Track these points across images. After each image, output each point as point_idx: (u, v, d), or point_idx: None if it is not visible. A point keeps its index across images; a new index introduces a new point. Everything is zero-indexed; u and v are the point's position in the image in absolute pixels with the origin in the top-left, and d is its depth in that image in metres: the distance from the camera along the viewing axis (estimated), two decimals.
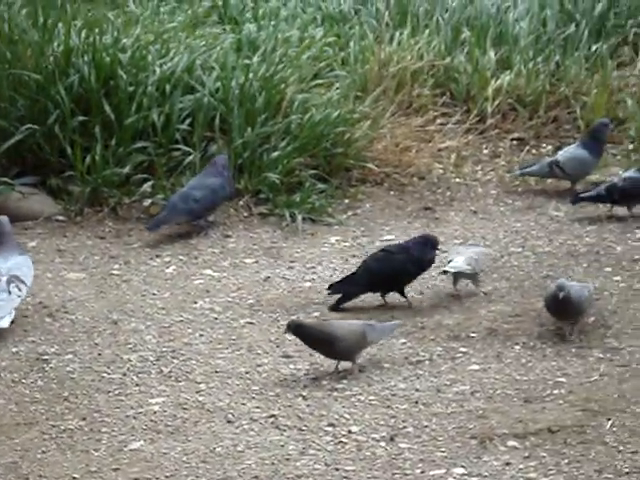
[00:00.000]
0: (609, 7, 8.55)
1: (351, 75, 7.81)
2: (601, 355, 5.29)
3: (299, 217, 6.82)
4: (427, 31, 8.15)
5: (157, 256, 6.49)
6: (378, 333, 5.28)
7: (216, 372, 5.22)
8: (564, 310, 5.38)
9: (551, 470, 4.39)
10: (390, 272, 5.85)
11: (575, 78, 8.05)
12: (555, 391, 4.99)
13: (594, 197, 6.85)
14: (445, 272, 5.91)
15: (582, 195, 6.89)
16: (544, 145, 7.82)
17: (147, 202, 6.86)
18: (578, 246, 6.45)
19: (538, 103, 7.91)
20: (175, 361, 5.32)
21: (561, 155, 7.23)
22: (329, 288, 5.91)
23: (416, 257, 5.90)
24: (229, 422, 4.80)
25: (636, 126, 7.67)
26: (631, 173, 6.85)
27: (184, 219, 6.70)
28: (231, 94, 7.13)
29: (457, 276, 5.91)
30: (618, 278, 6.09)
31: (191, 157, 6.98)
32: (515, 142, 7.84)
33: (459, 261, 5.87)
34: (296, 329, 5.16)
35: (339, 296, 5.87)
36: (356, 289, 5.88)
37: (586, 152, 7.18)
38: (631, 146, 7.57)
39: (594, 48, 8.27)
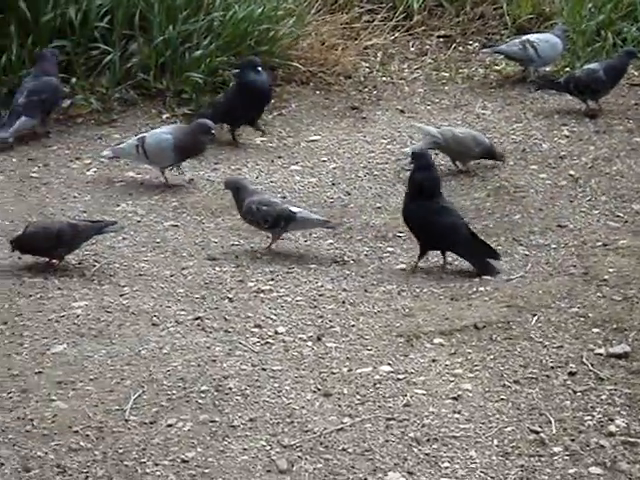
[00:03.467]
0: None
1: None
2: (527, 252, 5.29)
3: None
4: None
5: (77, 159, 6.34)
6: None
7: (140, 275, 5.14)
8: None
9: (477, 366, 4.40)
10: None
11: None
12: (481, 288, 4.99)
13: (554, 85, 6.86)
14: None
15: (542, 82, 6.98)
16: (471, 42, 7.75)
17: (66, 103, 6.67)
18: (505, 144, 6.42)
19: None
20: (97, 264, 5.22)
21: (534, 36, 7.17)
22: None
23: None
24: (154, 325, 4.74)
25: (563, 21, 7.61)
26: (591, 65, 6.82)
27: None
28: None
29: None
30: (544, 175, 6.09)
31: (110, 56, 6.80)
32: (442, 39, 7.77)
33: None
34: None
35: None
36: None
37: (558, 39, 7.15)
38: None
39: None
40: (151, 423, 4.09)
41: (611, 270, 5.06)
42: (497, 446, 3.94)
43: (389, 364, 4.43)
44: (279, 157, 6.39)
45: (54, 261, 5.17)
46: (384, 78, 7.34)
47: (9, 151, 6.39)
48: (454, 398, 4.20)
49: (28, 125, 6.43)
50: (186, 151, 5.98)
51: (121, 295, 4.96)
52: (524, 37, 7.18)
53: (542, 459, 3.87)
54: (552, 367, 4.38)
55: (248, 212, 5.31)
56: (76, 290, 5.01)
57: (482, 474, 3.81)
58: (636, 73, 7.31)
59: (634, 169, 6.09)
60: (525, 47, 7.09)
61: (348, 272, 5.18)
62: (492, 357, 4.46)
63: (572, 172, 6.10)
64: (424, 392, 4.24)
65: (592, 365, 4.36)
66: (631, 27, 7.52)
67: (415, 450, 3.93)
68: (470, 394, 4.23)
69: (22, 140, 6.52)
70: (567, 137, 6.54)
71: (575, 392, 4.22)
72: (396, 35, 7.67)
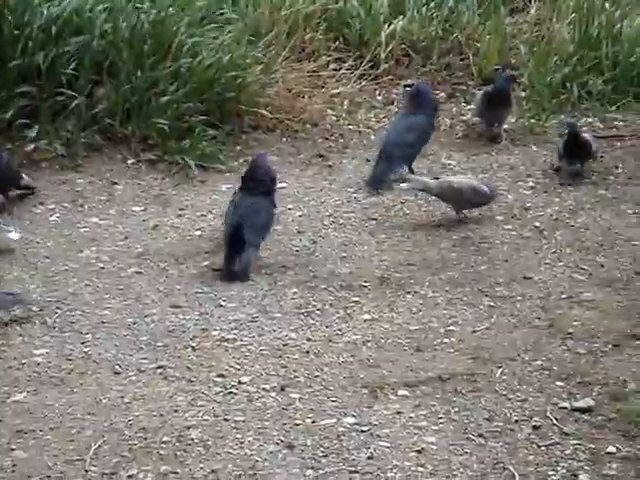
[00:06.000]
0: None
1: (243, 19, 7.66)
2: (492, 304, 5.29)
3: (189, 164, 6.69)
4: None
5: (41, 203, 6.30)
6: None
7: (102, 323, 5.09)
8: None
9: (441, 418, 4.38)
10: None
11: (468, 24, 8.05)
12: (446, 340, 4.98)
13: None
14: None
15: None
16: (437, 92, 7.79)
17: (30, 147, 6.64)
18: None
19: (431, 49, 7.90)
20: (59, 311, 5.17)
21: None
22: None
23: None
24: (116, 373, 4.69)
25: (528, 73, 7.69)
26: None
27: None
28: (120, 37, 6.93)
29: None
30: (509, 227, 6.11)
31: (77, 101, 6.77)
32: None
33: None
34: None
35: None
36: None
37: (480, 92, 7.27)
38: (523, 93, 7.60)
39: None
40: (112, 474, 4.04)
41: (575, 323, 5.07)
42: None
43: (353, 416, 4.41)
44: None
45: None
46: (351, 126, 7.36)
47: None
48: (418, 451, 4.18)
49: None
50: None
51: (82, 343, 4.92)
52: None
53: None
54: (516, 421, 4.37)
55: None
56: (37, 337, 4.95)
57: None
58: (601, 125, 7.38)
59: (598, 222, 6.12)
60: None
61: (312, 322, 5.16)
62: (456, 410, 4.44)
63: (537, 224, 6.13)
64: (388, 445, 4.22)
65: (556, 419, 4.36)
66: (596, 80, 7.59)
67: None
68: (434, 447, 4.21)
69: None
70: (532, 189, 6.58)
71: (539, 446, 4.21)
72: (363, 84, 7.70)
